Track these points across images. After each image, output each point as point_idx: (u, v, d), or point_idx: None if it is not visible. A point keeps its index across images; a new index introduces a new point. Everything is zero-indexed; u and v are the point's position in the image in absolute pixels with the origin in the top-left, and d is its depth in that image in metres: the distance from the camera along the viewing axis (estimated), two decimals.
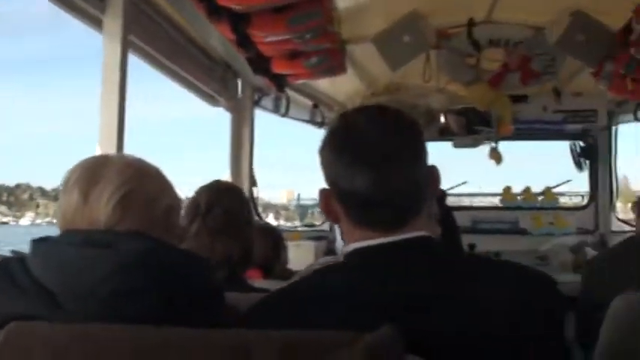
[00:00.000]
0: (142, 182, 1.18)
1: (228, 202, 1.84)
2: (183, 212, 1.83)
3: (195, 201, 1.84)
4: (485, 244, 3.89)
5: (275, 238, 2.54)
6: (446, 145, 4.47)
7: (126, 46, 2.16)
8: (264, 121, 3.98)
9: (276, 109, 3.86)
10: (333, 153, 1.09)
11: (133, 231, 1.12)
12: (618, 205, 4.89)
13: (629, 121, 4.23)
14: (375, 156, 1.06)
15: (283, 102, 3.84)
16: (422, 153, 1.10)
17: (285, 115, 3.90)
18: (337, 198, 1.10)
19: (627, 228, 4.25)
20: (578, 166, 4.54)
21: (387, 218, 1.07)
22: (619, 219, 4.53)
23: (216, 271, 1.76)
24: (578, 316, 2.72)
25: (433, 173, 1.13)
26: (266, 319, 1.07)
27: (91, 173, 1.17)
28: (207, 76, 3.28)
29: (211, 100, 3.51)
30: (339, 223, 1.13)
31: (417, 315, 0.99)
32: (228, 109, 3.62)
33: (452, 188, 4.47)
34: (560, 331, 1.10)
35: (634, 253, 2.48)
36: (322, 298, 1.04)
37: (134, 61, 2.50)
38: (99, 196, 1.14)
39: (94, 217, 1.14)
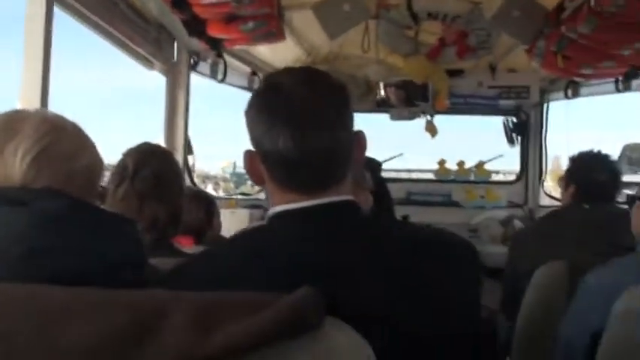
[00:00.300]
0: (59, 138, 1.13)
1: (157, 165, 1.80)
2: (109, 175, 1.79)
3: (122, 163, 1.79)
4: (418, 216, 3.95)
5: (207, 205, 2.51)
6: (384, 117, 4.49)
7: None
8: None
9: (213, 75, 3.78)
10: (258, 114, 1.07)
11: (49, 189, 1.08)
12: (550, 184, 5.03)
13: (560, 99, 4.32)
14: (298, 117, 1.04)
15: (221, 67, 3.76)
16: (347, 117, 1.09)
17: (222, 81, 3.82)
18: (261, 159, 1.09)
19: (555, 203, 4.39)
20: (511, 141, 4.64)
21: (310, 181, 1.06)
22: (547, 194, 4.67)
23: (143, 234, 1.74)
24: (503, 286, 2.81)
25: (359, 138, 1.13)
26: (185, 281, 1.05)
27: (6, 128, 1.12)
28: (141, 37, 3.17)
29: (146, 62, 3.41)
30: (263, 185, 1.12)
31: (336, 279, 0.99)
32: (163, 72, 3.52)
33: (387, 160, 4.51)
34: (478, 296, 1.12)
35: (557, 226, 2.56)
36: (242, 260, 1.03)
37: (63, 18, 2.41)
38: (14, 151, 1.09)
39: (8, 174, 1.09)
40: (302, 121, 1.04)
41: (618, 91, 3.61)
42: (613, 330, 1.61)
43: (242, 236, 1.11)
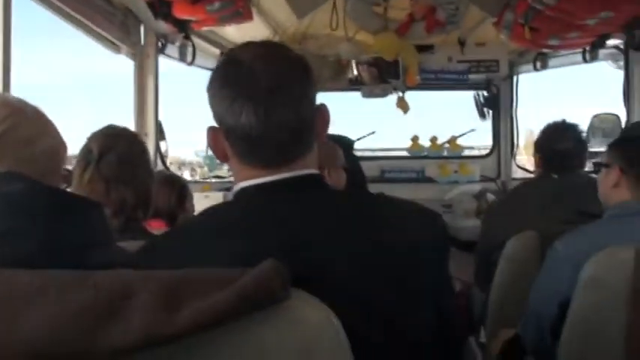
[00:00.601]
0: (19, 122, 1.12)
1: (123, 148, 1.78)
2: (75, 160, 1.77)
3: (87, 147, 1.77)
4: (392, 193, 3.92)
5: (179, 188, 2.49)
6: (358, 96, 4.49)
7: None
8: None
9: (182, 57, 3.73)
10: (219, 89, 1.06)
11: (9, 173, 1.07)
12: (525, 157, 5.07)
13: (529, 71, 4.35)
14: (260, 91, 1.03)
15: (189, 50, 3.71)
16: (309, 90, 1.09)
17: (191, 63, 3.78)
18: (225, 135, 1.08)
19: (528, 175, 4.43)
20: (482, 115, 4.66)
21: (274, 155, 1.06)
22: (519, 167, 4.71)
23: (111, 217, 1.73)
24: (476, 258, 2.84)
25: (322, 111, 1.13)
26: (152, 259, 1.05)
27: None
28: (107, 21, 3.12)
29: (113, 46, 3.35)
30: (228, 161, 1.11)
31: (303, 252, 0.99)
32: (130, 56, 3.48)
33: (361, 138, 4.51)
34: (446, 265, 1.13)
35: (527, 197, 2.59)
36: (209, 237, 1.03)
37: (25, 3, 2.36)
38: None
39: None
40: (264, 95, 1.03)
41: (585, 61, 3.63)
42: (580, 297, 1.64)
43: (208, 213, 1.11)
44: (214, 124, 1.10)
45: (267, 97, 1.03)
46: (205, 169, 4.91)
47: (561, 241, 1.84)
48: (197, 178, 5.16)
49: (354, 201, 1.12)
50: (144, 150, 1.90)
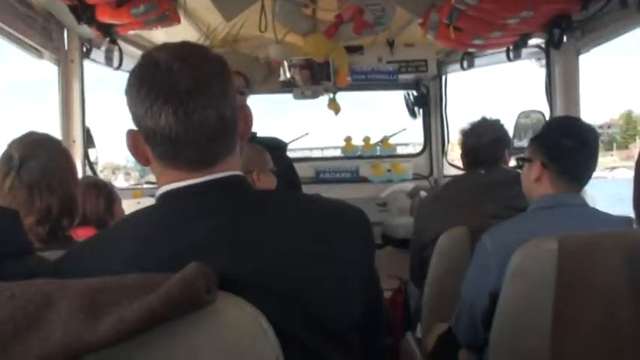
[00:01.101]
0: None
1: (45, 154, 1.72)
2: None
3: (7, 154, 1.71)
4: (328, 194, 3.95)
5: (105, 193, 2.43)
6: (291, 98, 4.48)
7: None
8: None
9: (108, 62, 3.65)
10: (137, 91, 1.03)
11: None
12: (457, 154, 5.16)
13: (457, 71, 4.44)
14: (178, 92, 1.02)
15: (116, 54, 3.64)
16: (229, 90, 1.07)
17: (118, 67, 3.70)
18: (144, 138, 1.06)
19: (460, 172, 4.52)
20: (413, 114, 4.73)
21: (195, 157, 1.05)
22: (451, 164, 4.80)
23: (35, 226, 1.67)
24: (411, 255, 2.88)
25: (244, 111, 1.12)
26: (73, 269, 1.02)
27: None
28: (28, 26, 3.03)
29: (35, 52, 3.25)
30: (149, 165, 1.09)
31: (228, 254, 0.98)
32: (54, 61, 3.38)
33: (294, 140, 4.51)
34: (371, 261, 1.14)
35: (457, 192, 2.64)
36: (131, 243, 1.01)
37: None
38: None
39: None
40: (183, 96, 1.02)
41: (510, 60, 3.73)
42: (508, 288, 1.68)
43: (130, 219, 1.09)
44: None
45: (186, 99, 1.02)
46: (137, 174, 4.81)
47: (488, 234, 1.89)
48: (132, 182, 5.05)
49: (277, 201, 1.12)
50: (67, 156, 1.84)
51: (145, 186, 4.24)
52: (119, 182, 5.15)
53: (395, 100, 4.91)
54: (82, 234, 2.03)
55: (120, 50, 3.59)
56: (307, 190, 3.58)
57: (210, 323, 0.90)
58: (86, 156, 3.59)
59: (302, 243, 1.03)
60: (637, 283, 1.53)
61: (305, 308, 0.99)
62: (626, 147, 47.98)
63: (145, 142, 1.06)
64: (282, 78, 4.31)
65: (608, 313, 1.54)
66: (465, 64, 4.23)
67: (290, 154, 3.89)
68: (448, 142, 4.73)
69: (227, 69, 1.08)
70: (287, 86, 4.35)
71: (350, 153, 4.75)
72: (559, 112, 3.37)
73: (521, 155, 2.08)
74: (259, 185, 2.30)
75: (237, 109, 1.10)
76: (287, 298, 0.98)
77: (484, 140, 2.60)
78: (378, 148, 4.74)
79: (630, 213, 2.10)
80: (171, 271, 0.89)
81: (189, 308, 0.87)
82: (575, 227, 1.78)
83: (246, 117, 1.13)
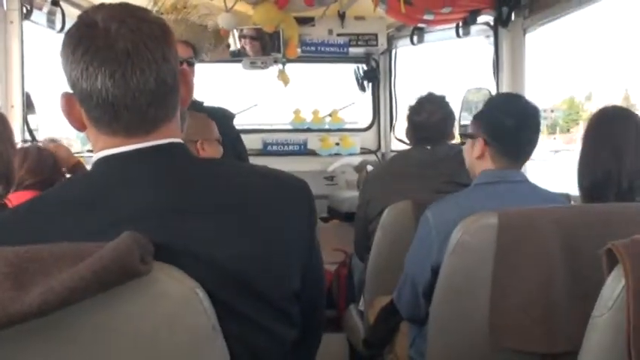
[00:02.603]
0: None
1: None
2: None
3: None
4: (275, 166, 3.92)
5: (47, 157, 2.38)
6: (240, 68, 4.41)
7: None
8: None
9: (50, 24, 3.51)
10: (73, 52, 0.98)
11: None
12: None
13: (407, 45, 4.44)
14: (116, 53, 0.97)
15: (58, 16, 3.51)
16: (169, 53, 1.03)
17: (61, 31, 3.58)
18: (80, 102, 1.01)
19: (407, 147, 4.54)
20: (362, 88, 4.73)
21: (133, 122, 1.01)
22: (398, 139, 4.82)
23: None
24: (355, 228, 2.89)
25: (185, 75, 1.08)
26: (4, 235, 0.97)
27: None
28: None
29: None
30: (85, 130, 1.05)
31: (166, 222, 0.96)
32: None
33: (242, 111, 4.46)
34: (312, 233, 1.13)
35: (402, 167, 2.66)
36: (64, 210, 0.98)
37: None
38: None
39: None
40: (121, 58, 0.97)
41: (459, 36, 3.76)
42: (449, 261, 1.71)
43: (65, 185, 1.05)
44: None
45: (124, 61, 0.97)
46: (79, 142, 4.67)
47: (431, 209, 1.91)
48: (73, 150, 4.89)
49: (217, 170, 1.09)
50: (4, 122, 1.78)
51: (86, 155, 4.14)
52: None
53: (345, 73, 4.89)
54: (16, 200, 1.97)
55: (62, 12, 3.47)
56: (254, 161, 3.55)
57: (146, 294, 0.88)
58: (25, 121, 3.47)
59: (241, 213, 1.01)
60: (569, 254, 1.57)
61: (243, 279, 0.98)
62: (568, 130, 49.43)
63: (81, 106, 1.02)
64: (232, 48, 4.24)
65: (543, 280, 1.57)
66: (415, 39, 4.23)
67: (238, 126, 3.84)
68: (396, 117, 4.75)
69: (168, 32, 1.04)
70: (236, 56, 4.28)
71: (298, 125, 4.72)
72: (505, 89, 3.42)
73: (465, 132, 2.09)
74: (203, 154, 2.26)
75: (179, 75, 1.06)
76: (224, 268, 0.96)
77: (433, 118, 2.61)
78: (327, 121, 4.73)
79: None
80: (106, 240, 0.86)
81: (123, 278, 0.85)
82: (516, 203, 1.81)
83: (188, 83, 1.09)
